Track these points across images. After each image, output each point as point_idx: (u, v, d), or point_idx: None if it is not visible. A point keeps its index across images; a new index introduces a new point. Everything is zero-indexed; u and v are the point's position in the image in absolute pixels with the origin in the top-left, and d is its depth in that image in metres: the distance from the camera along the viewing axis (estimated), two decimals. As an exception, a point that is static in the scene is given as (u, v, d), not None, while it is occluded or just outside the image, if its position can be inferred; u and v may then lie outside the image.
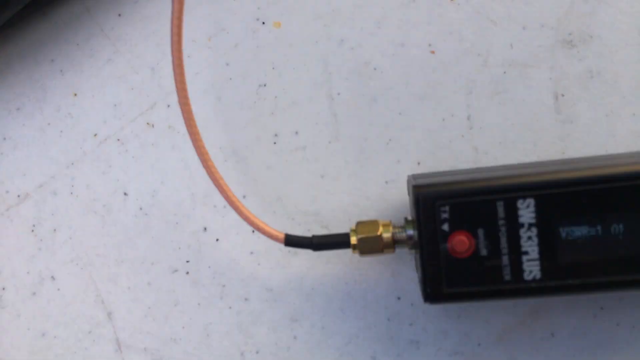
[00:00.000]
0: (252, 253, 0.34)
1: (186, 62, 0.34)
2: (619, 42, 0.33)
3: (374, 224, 0.30)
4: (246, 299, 0.34)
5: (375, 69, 0.34)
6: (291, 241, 0.31)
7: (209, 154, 0.31)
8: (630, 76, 0.33)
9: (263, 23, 0.35)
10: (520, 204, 0.27)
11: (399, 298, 0.33)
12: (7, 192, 0.36)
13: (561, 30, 0.34)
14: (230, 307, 0.34)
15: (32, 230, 0.35)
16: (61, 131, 0.36)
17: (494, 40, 0.34)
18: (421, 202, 0.28)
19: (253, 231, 0.34)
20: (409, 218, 0.30)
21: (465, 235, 0.27)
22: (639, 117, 0.33)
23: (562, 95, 0.33)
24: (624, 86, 0.33)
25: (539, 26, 0.34)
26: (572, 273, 0.27)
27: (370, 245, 0.30)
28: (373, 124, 0.34)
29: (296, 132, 0.34)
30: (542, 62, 0.34)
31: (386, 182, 0.34)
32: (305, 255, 0.34)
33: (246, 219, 0.31)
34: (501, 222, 0.27)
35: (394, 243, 0.30)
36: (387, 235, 0.30)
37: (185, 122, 0.30)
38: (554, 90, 0.34)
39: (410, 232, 0.30)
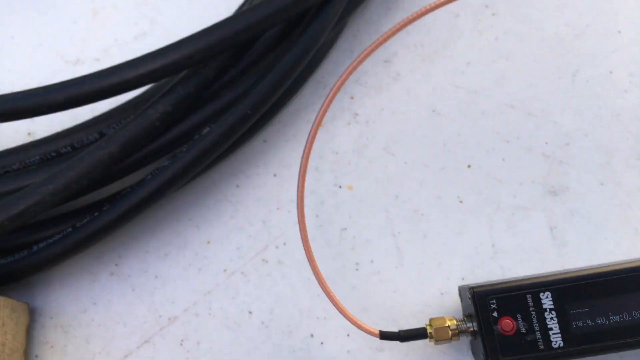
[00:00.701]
0: (348, 352, 0.46)
1: (288, 216, 0.49)
2: (588, 190, 0.49)
3: (442, 319, 0.43)
4: (346, 388, 0.46)
5: (422, 214, 0.49)
6: (385, 335, 0.43)
7: (321, 273, 0.44)
8: (601, 211, 0.49)
9: (340, 187, 0.50)
10: (542, 295, 0.41)
11: (460, 379, 0.45)
12: (160, 316, 0.47)
13: (546, 184, 0.49)
14: (335, 395, 0.46)
15: (181, 344, 0.47)
16: (199, 269, 0.48)
17: (502, 194, 0.49)
18: (477, 297, 0.41)
19: (348, 334, 0.46)
20: (466, 314, 0.43)
21: (509, 319, 0.40)
22: (611, 239, 0.48)
23: (555, 228, 0.48)
24: (596, 218, 0.48)
25: (531, 183, 0.49)
26: (585, 340, 0.40)
27: (442, 334, 0.42)
28: (426, 252, 0.48)
29: (371, 261, 0.48)
30: (537, 206, 0.49)
31: (441, 294, 0.47)
32: (389, 351, 0.46)
33: (349, 319, 0.43)
34: (531, 308, 0.41)
35: (459, 332, 0.43)
36: (453, 327, 0.43)
37: (305, 252, 0.44)
38: (549, 225, 0.48)
39: (469, 324, 0.42)
